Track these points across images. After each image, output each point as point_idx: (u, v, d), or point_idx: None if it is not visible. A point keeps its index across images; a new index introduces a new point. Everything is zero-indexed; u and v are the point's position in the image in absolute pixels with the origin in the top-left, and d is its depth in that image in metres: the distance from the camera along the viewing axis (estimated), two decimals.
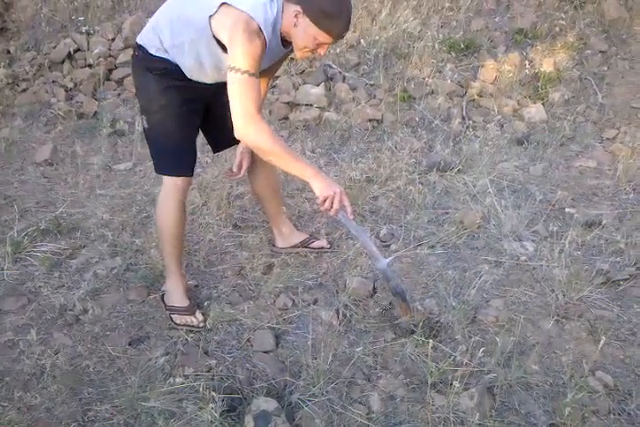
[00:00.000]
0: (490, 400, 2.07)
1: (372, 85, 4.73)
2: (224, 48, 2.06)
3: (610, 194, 3.62)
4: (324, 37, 2.04)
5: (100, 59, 4.89)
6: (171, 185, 2.39)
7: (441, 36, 5.07)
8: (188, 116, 2.35)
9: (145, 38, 2.24)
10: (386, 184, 3.56)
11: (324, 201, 2.14)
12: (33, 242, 2.96)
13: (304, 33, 2.04)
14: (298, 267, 2.86)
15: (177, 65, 2.21)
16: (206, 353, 2.34)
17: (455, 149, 4.07)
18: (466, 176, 3.67)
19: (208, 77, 2.26)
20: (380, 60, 4.87)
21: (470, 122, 4.50)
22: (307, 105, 4.53)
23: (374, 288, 2.71)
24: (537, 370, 2.23)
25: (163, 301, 2.57)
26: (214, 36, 2.06)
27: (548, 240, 3.05)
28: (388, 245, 3.04)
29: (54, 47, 5.08)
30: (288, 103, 4.56)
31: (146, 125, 2.35)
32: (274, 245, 2.99)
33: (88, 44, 5.03)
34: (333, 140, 4.24)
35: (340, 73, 4.77)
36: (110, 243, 3.00)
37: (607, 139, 4.39)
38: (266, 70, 2.27)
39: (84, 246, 3.01)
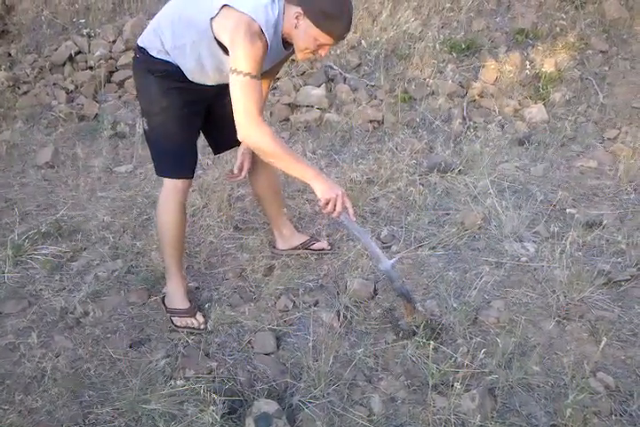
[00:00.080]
0: (491, 402, 2.07)
1: (372, 86, 4.73)
2: (225, 50, 2.06)
3: (611, 194, 3.61)
4: (324, 39, 2.04)
5: (101, 61, 4.90)
6: (171, 187, 2.39)
7: (442, 36, 5.07)
8: (189, 118, 2.35)
9: (146, 40, 2.24)
10: (386, 185, 3.56)
11: (327, 203, 2.14)
12: (34, 245, 2.96)
13: (305, 34, 2.04)
14: (299, 269, 2.86)
15: (178, 67, 2.21)
16: (207, 355, 2.34)
17: (456, 150, 4.07)
18: (467, 177, 3.67)
19: (209, 79, 2.26)
20: (380, 60, 4.87)
21: (471, 122, 4.50)
22: (307, 106, 4.53)
23: (375, 290, 2.71)
24: (538, 371, 2.22)
25: (163, 303, 2.57)
26: (215, 38, 2.06)
27: (548, 241, 3.05)
28: (389, 247, 3.04)
29: (55, 50, 5.09)
30: (289, 104, 4.56)
31: (146, 127, 2.36)
32: (274, 247, 2.99)
33: (89, 46, 5.04)
34: (334, 142, 4.24)
35: (341, 74, 4.77)
36: (111, 245, 3.00)
37: (608, 139, 4.38)
38: (267, 72, 2.27)
39: (84, 249, 3.01)
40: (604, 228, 3.15)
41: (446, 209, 3.39)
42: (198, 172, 3.54)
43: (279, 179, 3.00)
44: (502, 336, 2.32)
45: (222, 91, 2.26)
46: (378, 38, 4.98)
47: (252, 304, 2.62)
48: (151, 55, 2.23)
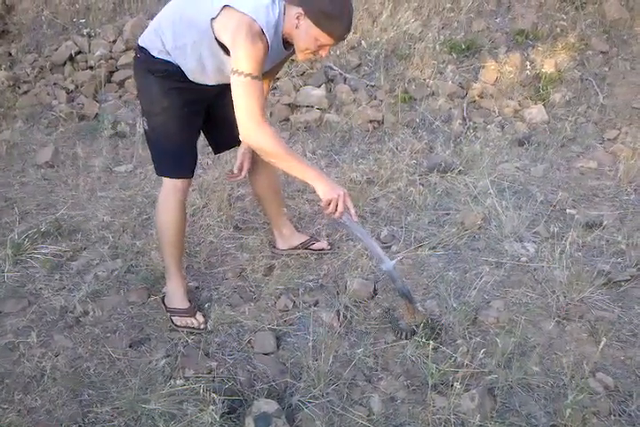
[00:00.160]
0: (491, 402, 2.07)
1: (372, 87, 4.73)
2: (226, 50, 2.06)
3: (611, 195, 3.61)
4: (325, 39, 2.04)
5: (102, 61, 4.90)
6: (170, 186, 2.39)
7: (442, 37, 5.07)
8: (190, 118, 2.35)
9: (147, 40, 2.24)
10: (386, 185, 3.56)
11: (328, 204, 2.14)
12: (33, 244, 2.96)
13: (306, 34, 2.04)
14: (298, 268, 2.86)
15: (179, 67, 2.21)
16: (207, 355, 2.34)
17: (456, 150, 4.07)
18: (467, 177, 3.67)
19: (210, 79, 2.26)
20: (380, 61, 4.87)
21: (471, 123, 4.50)
22: (307, 106, 4.54)
23: (375, 290, 2.71)
24: (538, 371, 2.22)
25: (163, 303, 2.57)
26: (216, 39, 2.07)
27: (548, 241, 3.05)
28: (389, 247, 3.04)
29: (55, 49, 5.09)
30: (289, 105, 4.57)
31: (147, 127, 2.36)
32: (274, 247, 2.99)
33: (89, 46, 5.04)
34: (334, 142, 4.25)
35: (341, 74, 4.78)
36: (111, 245, 3.00)
37: (608, 139, 4.39)
38: (267, 72, 2.27)
39: (84, 248, 3.01)
40: (603, 228, 3.16)
41: (446, 209, 3.39)
42: (198, 171, 3.54)
43: (279, 179, 3.00)
44: (502, 336, 2.32)
45: (223, 91, 2.27)
46: (378, 39, 4.99)
47: (252, 304, 2.62)
48: (152, 55, 2.22)
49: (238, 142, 2.58)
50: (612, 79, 4.92)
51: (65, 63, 5.02)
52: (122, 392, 2.15)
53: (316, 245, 2.96)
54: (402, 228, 3.20)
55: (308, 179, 2.12)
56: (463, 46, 5.02)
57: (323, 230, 3.16)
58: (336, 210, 2.14)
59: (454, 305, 2.58)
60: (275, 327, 2.49)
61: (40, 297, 2.65)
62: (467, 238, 3.09)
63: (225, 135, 2.57)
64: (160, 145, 2.38)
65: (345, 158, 3.96)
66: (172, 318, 2.50)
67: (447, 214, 3.34)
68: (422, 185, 3.58)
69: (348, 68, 4.87)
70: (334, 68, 4.80)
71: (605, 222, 3.19)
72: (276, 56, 2.22)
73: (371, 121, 4.43)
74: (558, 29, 5.14)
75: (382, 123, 4.45)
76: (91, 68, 4.92)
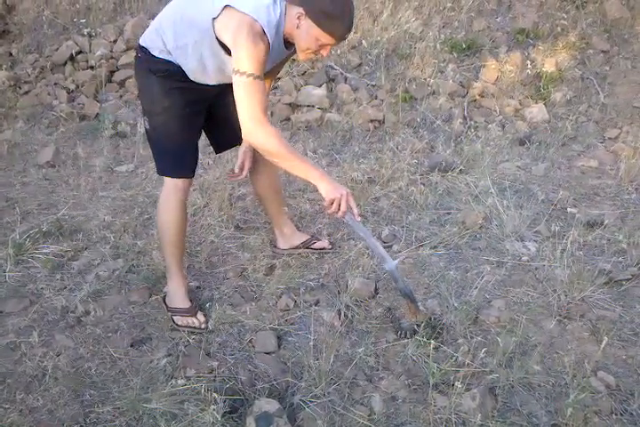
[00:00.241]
0: (492, 401, 2.07)
1: (373, 86, 4.73)
2: (227, 50, 2.07)
3: (612, 194, 3.61)
4: (326, 39, 2.04)
5: (102, 61, 4.90)
6: (171, 186, 2.39)
7: (442, 36, 5.07)
8: (191, 118, 2.35)
9: (148, 40, 2.25)
10: (387, 185, 3.56)
11: (331, 203, 2.14)
12: (35, 244, 2.96)
13: (307, 34, 2.04)
14: (299, 268, 2.86)
15: (180, 67, 2.21)
16: (208, 355, 2.34)
17: (457, 150, 4.07)
18: (467, 176, 3.67)
19: (211, 79, 2.26)
20: (381, 60, 4.87)
21: (472, 122, 4.50)
22: (308, 106, 4.54)
23: (376, 289, 2.71)
24: (539, 370, 2.22)
25: (164, 302, 2.57)
26: (217, 39, 2.07)
27: (550, 240, 3.05)
28: (390, 246, 3.04)
29: (56, 49, 5.09)
30: (290, 104, 4.57)
31: (148, 127, 2.36)
32: (275, 246, 2.99)
33: (90, 46, 5.04)
34: (335, 141, 4.25)
35: (342, 74, 4.78)
36: (112, 245, 3.00)
37: (609, 138, 4.39)
38: (268, 72, 2.27)
39: (85, 248, 3.01)
40: (605, 227, 3.16)
41: (447, 208, 3.39)
42: (199, 171, 3.54)
43: (280, 178, 3.00)
44: (503, 335, 2.32)
45: (224, 90, 2.27)
46: (379, 38, 4.98)
47: (253, 303, 2.62)
48: (153, 55, 2.23)
49: (239, 142, 2.59)
50: (613, 78, 4.91)
51: (66, 63, 5.02)
52: (123, 392, 2.15)
53: (317, 245, 2.96)
54: (403, 227, 3.20)
55: (311, 178, 2.13)
56: (464, 45, 5.01)
57: (324, 230, 3.16)
58: (339, 209, 2.14)
59: (455, 304, 2.58)
60: (276, 327, 2.49)
61: (41, 297, 2.66)
62: (468, 238, 3.09)
63: (226, 135, 2.57)
64: (161, 145, 2.38)
65: (346, 158, 3.96)
66: (174, 317, 2.50)
67: (448, 214, 3.34)
68: (423, 184, 3.57)
69: (348, 68, 4.87)
70: (335, 67, 4.80)
71: (606, 221, 3.19)
72: (277, 56, 2.22)
73: (371, 120, 4.43)
74: (559, 28, 5.13)
75: (383, 122, 4.45)
76: (91, 67, 4.93)
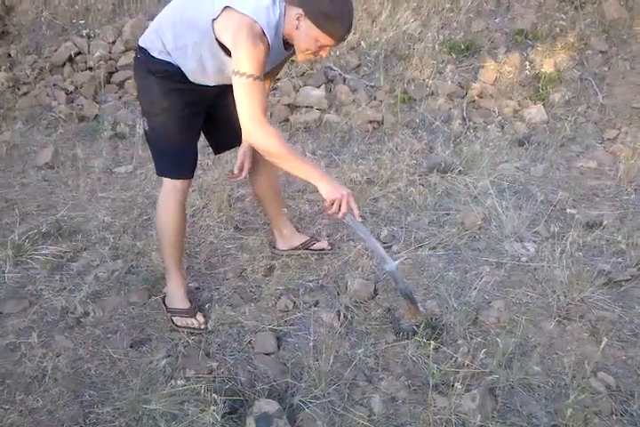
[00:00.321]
0: (492, 402, 2.07)
1: (372, 87, 4.74)
2: (227, 51, 2.07)
3: (611, 194, 3.62)
4: (325, 40, 2.04)
5: (101, 62, 4.90)
6: (170, 187, 2.39)
7: (441, 37, 5.07)
8: (190, 119, 2.35)
9: (147, 41, 2.25)
10: (386, 186, 3.56)
11: (332, 204, 2.14)
12: (34, 245, 2.96)
13: (306, 35, 2.04)
14: (299, 269, 2.86)
15: (179, 68, 2.21)
16: (207, 355, 2.34)
17: (456, 151, 4.07)
18: (466, 177, 3.67)
19: (210, 80, 2.26)
20: (380, 61, 4.88)
21: (471, 123, 4.50)
22: (307, 107, 4.54)
23: (375, 290, 2.71)
24: (539, 371, 2.22)
25: (164, 303, 2.57)
26: (217, 40, 2.07)
27: (549, 241, 3.05)
28: (389, 247, 3.04)
29: (55, 50, 5.09)
30: (289, 105, 4.57)
31: (147, 128, 2.36)
32: (275, 247, 2.99)
33: (89, 47, 5.04)
34: (334, 142, 4.25)
35: (341, 75, 4.78)
36: (111, 246, 3.00)
37: (608, 139, 4.39)
38: (268, 73, 2.27)
39: (85, 249, 3.01)
40: (604, 228, 3.16)
41: (446, 209, 3.39)
42: (198, 172, 3.54)
43: (279, 179, 3.00)
44: (503, 336, 2.32)
45: (223, 91, 2.27)
46: (377, 39, 4.99)
47: (253, 304, 2.62)
48: (152, 56, 2.23)
49: (239, 142, 2.59)
50: (612, 79, 4.92)
51: (64, 64, 5.02)
52: (123, 393, 2.15)
53: (317, 246, 2.96)
54: (402, 228, 3.20)
55: (312, 179, 2.13)
56: (462, 46, 5.02)
57: (323, 230, 3.16)
58: (339, 210, 2.14)
59: (455, 305, 2.58)
60: (275, 328, 2.49)
61: (41, 298, 2.66)
62: (467, 238, 3.09)
63: (225, 136, 2.58)
64: (160, 145, 2.38)
65: (345, 159, 3.96)
66: (173, 318, 2.50)
67: (447, 214, 3.34)
68: (422, 185, 3.57)
69: (347, 69, 4.87)
70: (334, 68, 4.80)
71: (605, 222, 3.19)
72: (277, 57, 2.23)
73: (370, 121, 4.43)
74: (557, 29, 5.14)
75: (382, 123, 4.45)
76: (90, 68, 4.92)
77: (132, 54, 4.54)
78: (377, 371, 2.27)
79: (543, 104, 4.68)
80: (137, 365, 2.29)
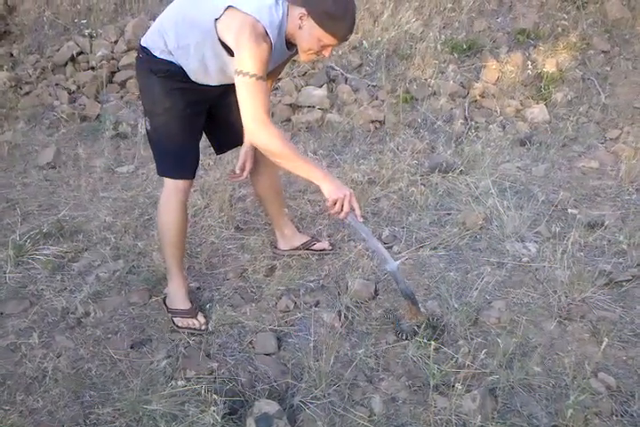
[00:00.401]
0: (492, 402, 2.07)
1: (374, 87, 4.73)
2: (229, 51, 2.06)
3: (612, 195, 3.61)
4: (328, 39, 2.04)
5: (103, 61, 4.90)
6: (172, 187, 2.39)
7: (443, 36, 5.07)
8: (192, 119, 2.35)
9: (149, 40, 2.24)
10: (388, 186, 3.56)
11: (334, 204, 2.14)
12: (35, 245, 2.96)
13: (309, 35, 2.04)
14: (300, 269, 2.86)
15: (181, 67, 2.21)
16: (208, 356, 2.34)
17: (457, 150, 4.07)
18: (468, 177, 3.67)
19: (212, 80, 2.26)
20: (382, 61, 4.87)
21: (472, 123, 4.50)
22: (309, 107, 4.54)
23: (376, 290, 2.71)
24: (539, 372, 2.21)
25: (165, 303, 2.57)
26: (220, 39, 2.06)
27: (550, 241, 3.05)
28: (391, 247, 3.04)
29: (57, 50, 5.09)
30: (290, 105, 4.56)
31: (149, 127, 2.36)
32: (276, 248, 2.99)
33: (91, 46, 5.03)
34: (335, 142, 4.25)
35: (343, 74, 4.78)
36: (112, 246, 3.00)
37: (610, 139, 4.39)
38: (270, 72, 2.26)
39: (86, 249, 3.01)
40: (605, 228, 3.15)
41: (448, 209, 3.39)
42: (200, 172, 3.54)
43: (281, 179, 3.00)
44: (503, 337, 2.32)
45: (225, 91, 2.27)
46: (379, 39, 4.98)
47: (254, 305, 2.62)
48: (154, 55, 2.22)
49: (241, 142, 2.59)
50: (614, 79, 4.91)
51: (66, 64, 5.02)
52: (123, 393, 2.15)
53: (318, 246, 2.96)
54: (403, 228, 3.20)
55: (314, 178, 2.13)
56: (464, 46, 5.01)
57: (324, 231, 3.16)
58: (342, 210, 2.14)
59: (455, 306, 2.58)
60: (276, 328, 2.49)
61: (42, 298, 2.66)
62: (468, 239, 3.09)
63: (227, 135, 2.58)
64: (162, 145, 2.38)
65: (346, 158, 3.96)
66: (174, 318, 2.50)
67: (448, 215, 3.34)
68: (424, 185, 3.57)
69: (349, 69, 4.87)
70: (336, 68, 4.80)
71: (607, 222, 3.19)
72: (279, 57, 2.22)
73: (372, 121, 4.43)
74: (560, 29, 5.13)
75: (384, 123, 4.45)
76: (92, 68, 4.92)
77: (134, 54, 4.54)
78: (377, 371, 2.27)
79: (545, 104, 4.68)
80: (137, 365, 2.29)
